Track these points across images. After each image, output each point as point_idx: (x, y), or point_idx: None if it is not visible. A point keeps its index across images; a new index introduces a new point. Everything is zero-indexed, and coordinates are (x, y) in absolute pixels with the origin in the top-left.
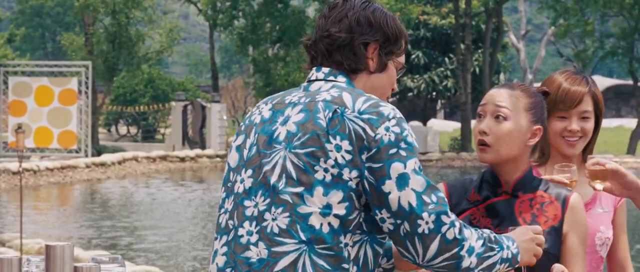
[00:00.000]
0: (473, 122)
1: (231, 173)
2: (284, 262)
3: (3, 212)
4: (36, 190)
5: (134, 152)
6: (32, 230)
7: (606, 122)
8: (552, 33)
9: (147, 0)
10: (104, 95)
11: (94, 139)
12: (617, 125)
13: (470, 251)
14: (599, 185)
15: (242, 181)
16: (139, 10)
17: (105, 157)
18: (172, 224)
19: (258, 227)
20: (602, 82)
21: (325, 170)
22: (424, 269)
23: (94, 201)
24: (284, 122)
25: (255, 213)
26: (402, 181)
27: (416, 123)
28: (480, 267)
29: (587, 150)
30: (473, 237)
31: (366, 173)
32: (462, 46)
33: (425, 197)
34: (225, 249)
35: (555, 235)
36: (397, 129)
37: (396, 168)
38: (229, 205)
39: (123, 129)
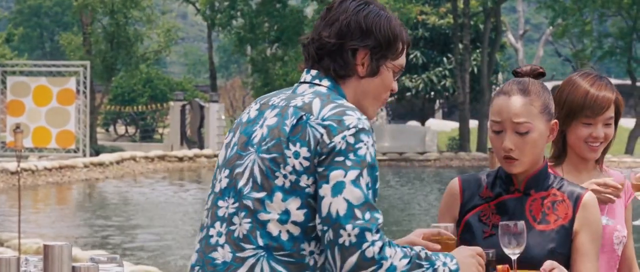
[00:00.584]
0: (471, 122)
1: (217, 171)
2: (243, 268)
3: (1, 212)
4: (34, 190)
5: (132, 152)
6: (30, 230)
7: None
8: (550, 33)
9: (145, 0)
10: (102, 95)
11: (92, 139)
12: None
13: (391, 270)
14: None
15: (220, 181)
16: (137, 10)
17: (104, 157)
18: (166, 223)
19: (227, 230)
20: None
21: (285, 176)
22: None
23: (92, 201)
24: (262, 125)
25: (226, 215)
26: (337, 188)
27: (414, 123)
28: None
29: (604, 153)
30: (396, 257)
31: (317, 178)
32: (461, 46)
33: (356, 211)
34: (198, 246)
35: (565, 234)
36: (351, 140)
37: (336, 175)
38: (209, 203)
39: (121, 129)
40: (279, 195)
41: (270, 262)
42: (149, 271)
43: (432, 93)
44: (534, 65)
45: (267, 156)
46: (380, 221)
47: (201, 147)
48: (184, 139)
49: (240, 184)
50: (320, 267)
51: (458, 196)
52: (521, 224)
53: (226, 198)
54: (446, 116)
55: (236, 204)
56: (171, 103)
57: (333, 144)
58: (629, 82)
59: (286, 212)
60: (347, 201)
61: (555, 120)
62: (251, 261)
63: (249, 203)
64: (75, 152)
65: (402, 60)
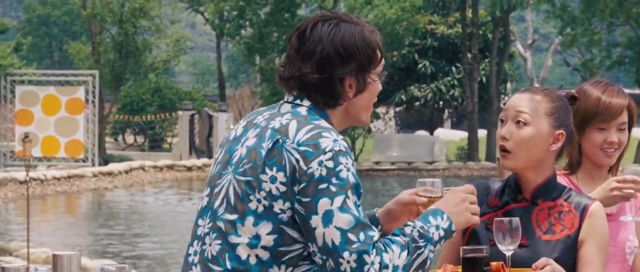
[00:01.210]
0: (480, 132)
1: (205, 187)
2: None
3: (10, 222)
4: (43, 199)
5: (141, 161)
6: (39, 239)
7: None
8: (559, 42)
9: (154, 10)
10: (111, 104)
11: (100, 148)
12: None
13: (395, 270)
14: None
15: (202, 198)
16: (146, 20)
17: (112, 167)
18: (173, 232)
19: (201, 249)
20: None
21: (258, 201)
22: None
23: (101, 210)
24: (243, 144)
25: (202, 234)
26: (327, 218)
27: (423, 132)
28: (412, 270)
29: (619, 160)
30: (395, 256)
31: (296, 206)
32: (469, 55)
33: (350, 235)
34: (182, 263)
35: (570, 244)
36: (330, 164)
37: (323, 204)
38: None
39: (130, 138)
40: (250, 219)
41: None
42: None
43: (441, 103)
44: (570, 91)
45: (243, 179)
46: (376, 237)
47: (210, 156)
48: (192, 149)
49: (216, 204)
50: None
51: None
52: (516, 220)
53: (204, 217)
54: (455, 126)
55: (210, 224)
56: (180, 112)
57: (311, 170)
58: (637, 91)
59: (256, 237)
60: (339, 228)
61: (562, 132)
62: None
63: (221, 225)
64: (84, 161)
65: (382, 63)
